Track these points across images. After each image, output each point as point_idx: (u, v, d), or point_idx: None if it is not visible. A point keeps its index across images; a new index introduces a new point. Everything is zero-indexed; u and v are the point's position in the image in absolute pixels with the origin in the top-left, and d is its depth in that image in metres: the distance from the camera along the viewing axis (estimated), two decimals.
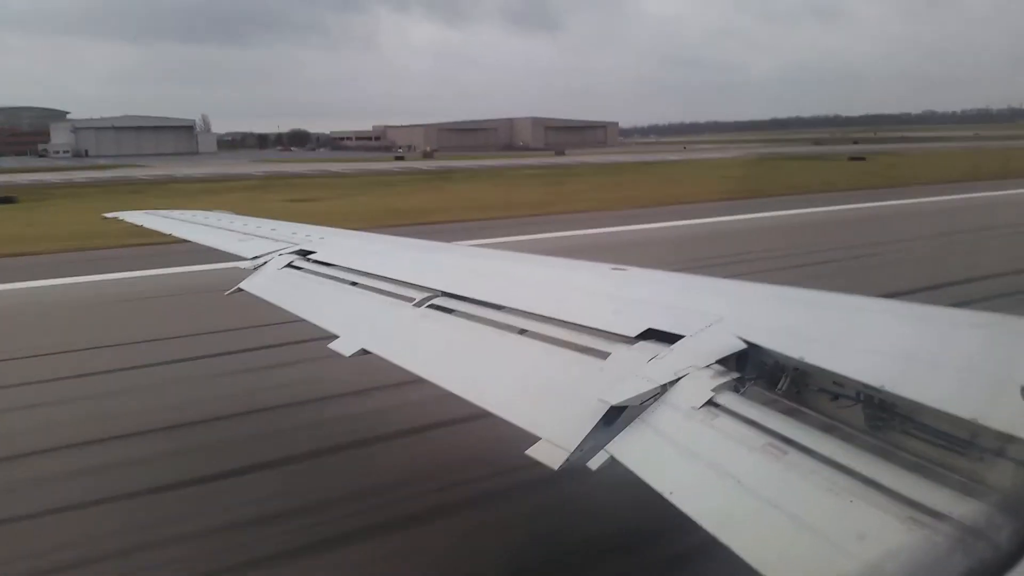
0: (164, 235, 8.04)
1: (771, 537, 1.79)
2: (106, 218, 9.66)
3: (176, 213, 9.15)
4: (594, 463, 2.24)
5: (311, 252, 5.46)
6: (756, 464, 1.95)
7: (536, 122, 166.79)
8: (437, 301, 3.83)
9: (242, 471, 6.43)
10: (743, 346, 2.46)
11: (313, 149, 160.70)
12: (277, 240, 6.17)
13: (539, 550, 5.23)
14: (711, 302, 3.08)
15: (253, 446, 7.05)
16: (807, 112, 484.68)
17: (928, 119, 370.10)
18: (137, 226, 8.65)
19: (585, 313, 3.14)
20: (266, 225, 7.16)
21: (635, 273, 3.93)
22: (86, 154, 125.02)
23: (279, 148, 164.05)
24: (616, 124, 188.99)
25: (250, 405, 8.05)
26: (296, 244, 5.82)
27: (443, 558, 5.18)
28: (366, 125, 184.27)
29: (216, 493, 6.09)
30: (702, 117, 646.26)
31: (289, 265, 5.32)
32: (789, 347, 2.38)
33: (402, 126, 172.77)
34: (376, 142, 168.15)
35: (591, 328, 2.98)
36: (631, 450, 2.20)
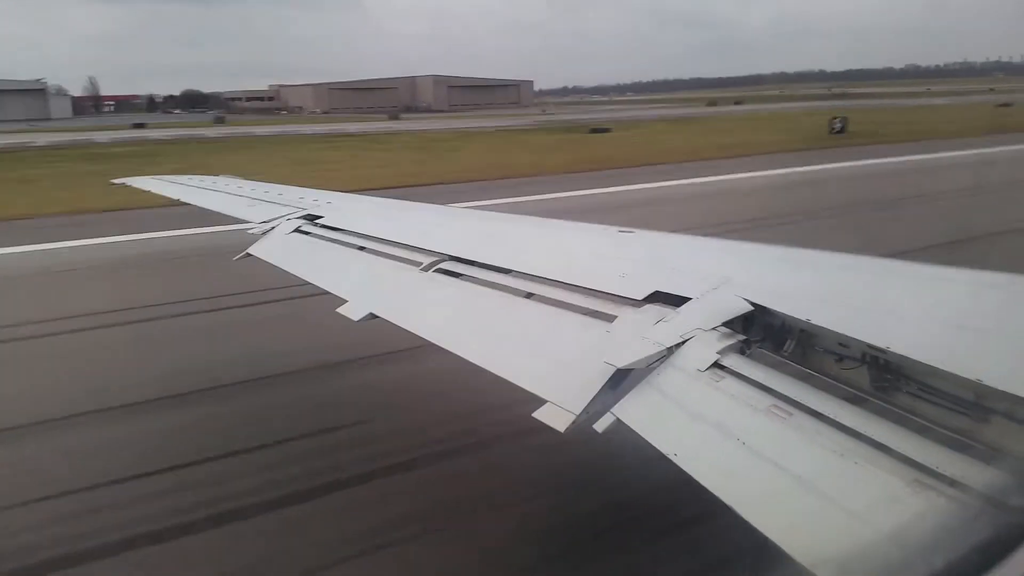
0: None
1: (775, 499, 1.77)
2: (114, 184, 9.34)
3: (183, 178, 8.93)
4: (600, 425, 2.22)
5: (319, 217, 5.42)
6: (761, 426, 1.93)
7: (438, 81, 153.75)
8: (445, 265, 3.80)
9: None
10: (749, 308, 2.44)
11: (203, 112, 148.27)
12: (285, 205, 6.11)
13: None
14: (718, 264, 3.06)
15: None
16: (792, 68, 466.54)
17: (910, 73, 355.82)
18: (144, 191, 8.53)
19: (592, 276, 3.12)
20: (273, 190, 7.11)
21: (642, 235, 3.91)
22: None
23: (161, 111, 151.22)
24: (531, 83, 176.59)
25: None
26: (304, 209, 5.78)
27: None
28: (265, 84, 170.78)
29: None
30: (687, 74, 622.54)
31: (297, 230, 5.27)
32: (795, 308, 2.36)
33: (295, 85, 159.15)
34: (269, 103, 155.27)
35: (598, 291, 2.96)
36: (636, 412, 2.18)
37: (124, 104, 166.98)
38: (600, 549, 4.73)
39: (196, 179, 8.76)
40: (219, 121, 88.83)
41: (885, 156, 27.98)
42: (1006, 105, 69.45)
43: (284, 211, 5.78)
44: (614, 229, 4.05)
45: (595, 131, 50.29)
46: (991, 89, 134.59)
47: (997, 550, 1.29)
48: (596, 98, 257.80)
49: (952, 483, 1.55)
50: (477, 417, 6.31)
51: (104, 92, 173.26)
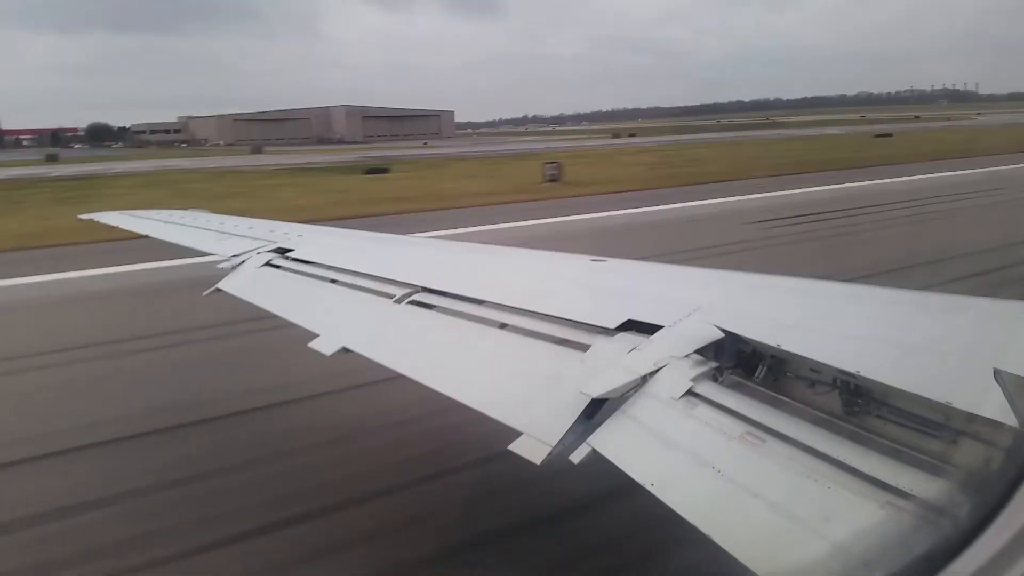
0: None
1: (752, 525, 1.77)
2: (81, 219, 9.20)
3: (152, 213, 8.67)
4: (576, 456, 2.20)
5: (289, 250, 5.34)
6: (735, 453, 1.93)
7: (351, 112, 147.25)
8: (417, 297, 3.77)
9: None
10: (721, 335, 2.43)
11: (107, 147, 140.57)
12: (255, 238, 5.99)
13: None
14: (689, 292, 3.05)
15: None
16: (750, 96, 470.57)
17: (862, 100, 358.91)
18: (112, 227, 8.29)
19: (565, 306, 3.09)
20: (243, 223, 6.95)
21: (614, 264, 3.91)
22: None
23: (61, 146, 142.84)
24: (452, 113, 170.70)
25: None
26: (274, 242, 5.68)
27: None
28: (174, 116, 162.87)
29: None
30: (647, 103, 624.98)
31: (268, 264, 5.21)
32: (766, 335, 2.36)
33: (202, 117, 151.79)
34: (176, 135, 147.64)
35: (571, 321, 2.93)
36: (612, 443, 2.17)
37: (42, 138, 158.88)
38: None
39: (164, 213, 8.52)
40: (51, 159, 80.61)
41: (537, 218, 20.86)
42: (885, 135, 63.93)
43: (254, 244, 5.67)
44: (586, 258, 4.05)
45: (371, 171, 45.37)
46: (916, 117, 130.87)
47: (945, 561, 1.35)
48: (546, 128, 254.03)
49: (925, 505, 1.58)
50: None
51: (29, 125, 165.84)
